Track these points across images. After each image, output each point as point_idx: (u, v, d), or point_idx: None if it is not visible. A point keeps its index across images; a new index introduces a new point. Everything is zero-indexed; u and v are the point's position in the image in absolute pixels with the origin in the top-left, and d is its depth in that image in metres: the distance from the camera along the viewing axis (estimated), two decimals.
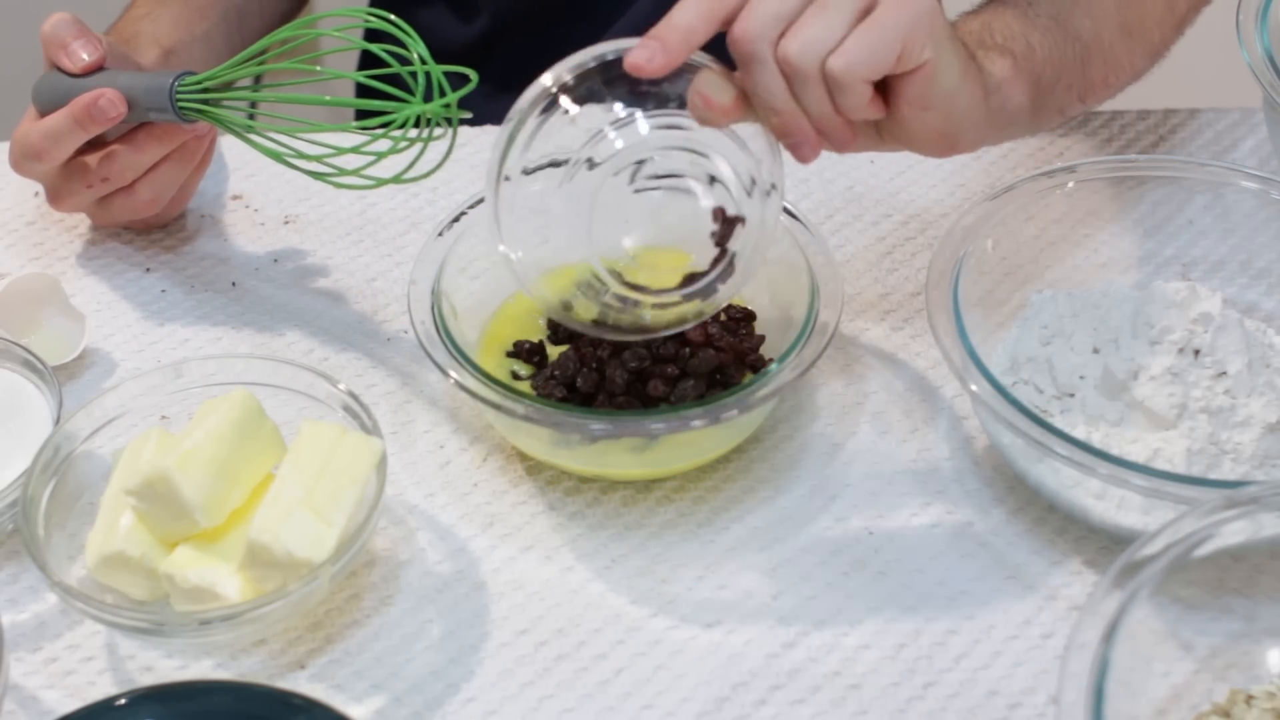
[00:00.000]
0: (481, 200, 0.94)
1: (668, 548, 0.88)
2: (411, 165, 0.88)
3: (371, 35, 1.03)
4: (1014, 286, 0.95)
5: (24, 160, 0.98)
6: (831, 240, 0.91)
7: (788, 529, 0.88)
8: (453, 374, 0.85)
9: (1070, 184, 0.95)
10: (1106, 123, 1.11)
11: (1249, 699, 0.77)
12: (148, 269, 1.03)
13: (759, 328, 0.94)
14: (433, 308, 0.88)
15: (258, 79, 0.96)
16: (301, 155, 0.90)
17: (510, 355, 0.92)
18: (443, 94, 0.85)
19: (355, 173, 0.89)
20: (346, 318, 1.00)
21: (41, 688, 0.82)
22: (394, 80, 0.87)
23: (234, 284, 1.02)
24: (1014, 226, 0.94)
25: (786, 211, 0.93)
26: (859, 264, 1.02)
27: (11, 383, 0.92)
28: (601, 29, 1.20)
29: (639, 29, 1.19)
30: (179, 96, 0.93)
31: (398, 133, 0.87)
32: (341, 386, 0.87)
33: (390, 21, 0.88)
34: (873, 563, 0.86)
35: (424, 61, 0.86)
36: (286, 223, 1.06)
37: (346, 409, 0.86)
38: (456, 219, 0.93)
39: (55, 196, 1.00)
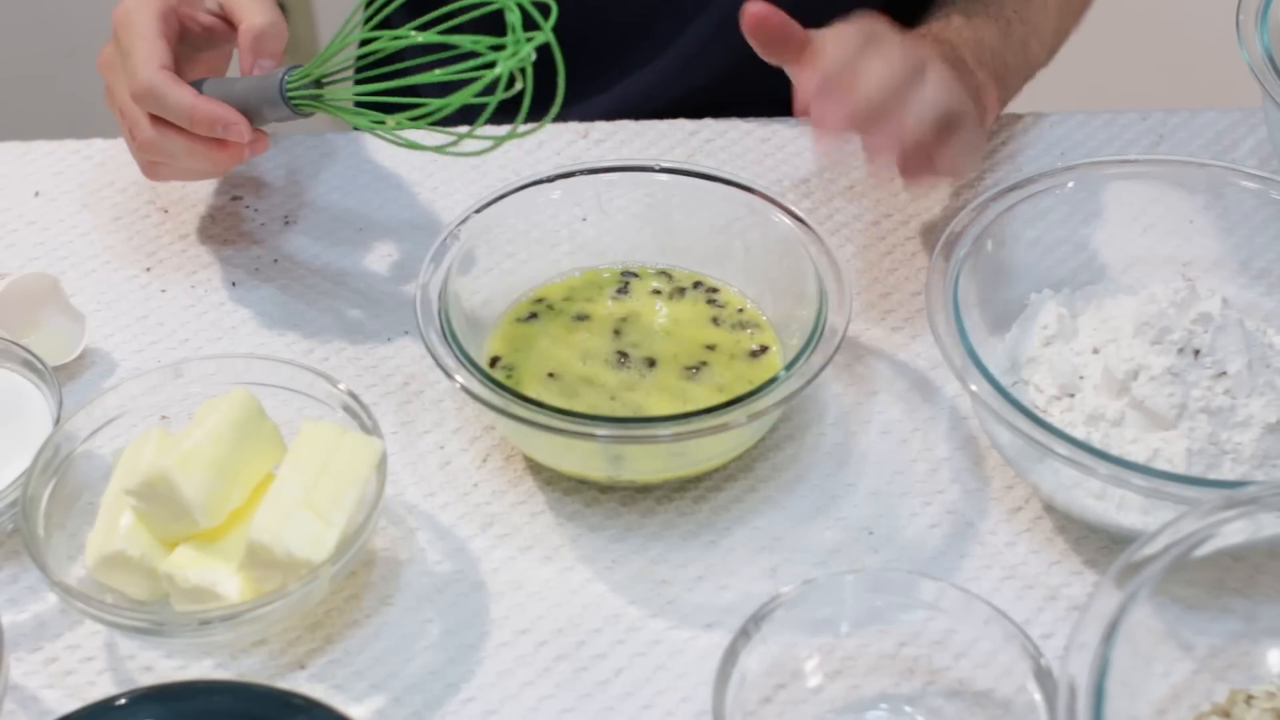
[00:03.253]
0: (488, 204, 0.94)
1: (668, 548, 0.88)
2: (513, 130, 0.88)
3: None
4: (1014, 286, 0.95)
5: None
6: (831, 240, 0.92)
7: (788, 529, 0.88)
8: (459, 378, 0.85)
9: (1070, 184, 0.95)
10: (1107, 123, 1.11)
11: (1249, 699, 0.77)
12: (148, 269, 1.03)
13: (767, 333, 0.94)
14: (439, 311, 0.88)
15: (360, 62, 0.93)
16: (400, 126, 0.88)
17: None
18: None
19: (469, 135, 0.88)
20: (347, 318, 1.00)
21: (41, 688, 0.82)
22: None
23: (234, 284, 1.02)
24: (1014, 227, 0.94)
25: (792, 215, 0.93)
26: (859, 264, 1.02)
27: (11, 383, 0.92)
28: (635, 45, 1.18)
29: (670, 57, 1.17)
30: (290, 92, 0.91)
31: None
32: (341, 386, 0.87)
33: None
34: (873, 563, 0.86)
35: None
36: (287, 223, 1.06)
37: (346, 409, 0.86)
38: (465, 220, 0.93)
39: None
